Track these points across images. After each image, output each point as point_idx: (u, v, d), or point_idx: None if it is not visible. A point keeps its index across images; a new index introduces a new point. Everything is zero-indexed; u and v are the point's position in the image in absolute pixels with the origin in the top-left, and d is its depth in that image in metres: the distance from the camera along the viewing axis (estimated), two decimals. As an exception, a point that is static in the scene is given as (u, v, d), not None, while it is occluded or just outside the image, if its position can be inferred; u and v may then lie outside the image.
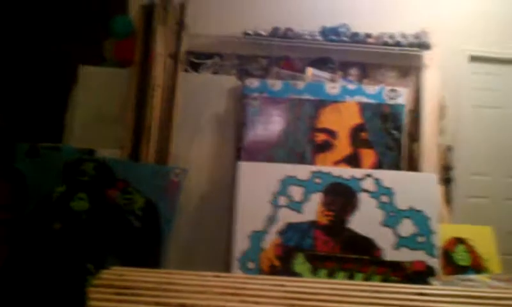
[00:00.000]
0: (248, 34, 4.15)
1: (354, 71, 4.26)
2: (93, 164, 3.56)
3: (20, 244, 3.46)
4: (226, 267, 3.43)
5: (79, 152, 3.67)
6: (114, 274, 2.52)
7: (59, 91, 4.13)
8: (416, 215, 3.45)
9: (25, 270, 3.41)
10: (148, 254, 3.38)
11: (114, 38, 4.17)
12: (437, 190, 3.64)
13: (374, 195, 3.49)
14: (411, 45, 4.14)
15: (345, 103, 3.85)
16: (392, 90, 3.89)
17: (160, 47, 3.86)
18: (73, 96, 3.92)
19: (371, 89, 3.91)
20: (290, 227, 3.44)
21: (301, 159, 3.73)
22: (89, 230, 3.45)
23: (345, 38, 4.16)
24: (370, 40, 4.16)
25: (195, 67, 4.17)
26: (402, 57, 4.20)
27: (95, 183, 3.52)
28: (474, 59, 4.43)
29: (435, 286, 2.98)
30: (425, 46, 4.13)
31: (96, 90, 3.92)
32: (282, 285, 2.54)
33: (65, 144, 3.80)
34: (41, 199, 3.50)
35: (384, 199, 3.48)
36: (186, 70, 4.06)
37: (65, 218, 3.46)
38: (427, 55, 4.16)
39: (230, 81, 3.99)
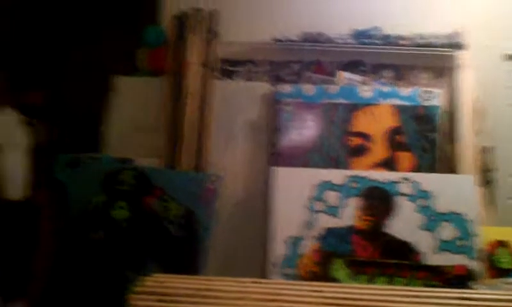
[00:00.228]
0: (279, 40, 4.16)
1: (387, 74, 4.22)
2: (132, 173, 3.62)
3: (64, 253, 3.54)
4: (264, 273, 3.44)
5: (118, 162, 3.75)
6: (155, 281, 2.56)
7: (95, 102, 4.22)
8: (456, 218, 3.39)
9: (69, 279, 3.48)
10: (187, 261, 3.41)
11: (147, 48, 4.23)
12: (475, 192, 3.58)
13: (412, 198, 3.45)
14: (444, 45, 4.08)
15: (379, 106, 3.82)
16: (426, 91, 3.85)
17: (193, 56, 3.91)
18: (109, 107, 3.99)
19: (405, 91, 3.87)
20: (329, 232, 3.42)
21: (336, 164, 3.71)
22: (129, 238, 3.50)
23: (377, 41, 4.11)
24: (402, 42, 4.11)
25: (228, 74, 4.20)
26: (436, 58, 4.13)
27: (134, 192, 3.58)
28: (510, 57, 4.34)
29: (477, 290, 2.93)
30: (458, 46, 4.06)
31: (131, 100, 3.99)
32: (320, 291, 2.54)
33: (103, 154, 3.88)
34: (83, 209, 3.57)
35: (423, 202, 3.44)
36: (219, 78, 4.09)
37: (107, 227, 3.53)
38: (460, 55, 4.09)
39: (262, 87, 4.00)
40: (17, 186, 3.91)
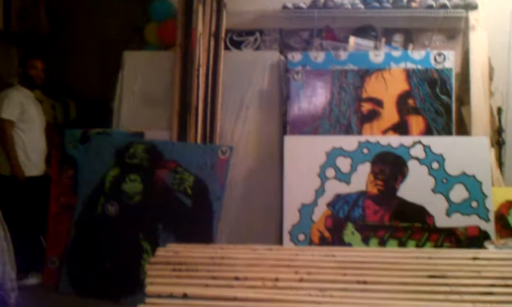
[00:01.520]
0: (287, 8, 4.12)
1: (398, 38, 4.17)
2: (143, 146, 3.66)
3: (82, 226, 3.62)
4: (278, 240, 3.48)
5: (129, 136, 3.79)
6: (170, 251, 2.59)
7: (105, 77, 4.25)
8: (468, 180, 3.39)
9: (88, 250, 3.58)
10: (201, 230, 3.45)
11: (156, 21, 4.23)
12: (489, 153, 3.55)
13: (424, 162, 3.44)
14: (456, 6, 4.01)
15: (391, 70, 3.78)
16: (439, 54, 3.79)
17: (201, 27, 3.89)
18: (118, 82, 4.01)
19: (417, 54, 3.82)
20: (340, 198, 3.45)
21: (347, 130, 3.71)
22: (143, 210, 3.57)
23: (387, 4, 4.06)
24: (413, 4, 4.05)
25: (237, 45, 4.19)
26: (448, 20, 4.07)
27: (146, 165, 3.62)
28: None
29: (489, 250, 2.93)
30: (471, 6, 3.99)
31: (141, 73, 4.01)
32: (333, 255, 2.56)
33: (114, 128, 3.92)
34: (96, 183, 3.63)
35: (435, 165, 3.43)
36: (228, 48, 4.08)
37: (121, 200, 3.60)
38: (473, 16, 4.02)
39: (272, 56, 3.98)
40: (35, 162, 3.97)
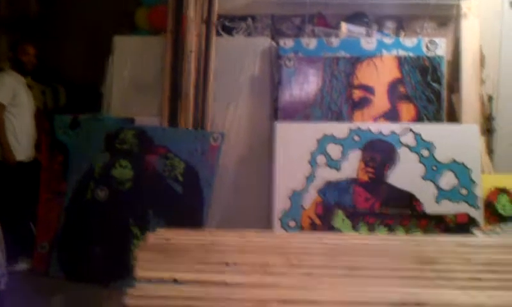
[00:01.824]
0: (280, -7, 4.10)
1: (390, 25, 4.16)
2: (133, 132, 3.64)
3: (72, 211, 3.62)
4: (268, 227, 3.48)
5: (119, 121, 3.77)
6: (160, 236, 2.59)
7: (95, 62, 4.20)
8: (457, 167, 3.41)
9: (79, 235, 3.57)
10: (191, 216, 3.46)
11: (146, 6, 4.19)
12: (479, 141, 3.57)
13: (414, 149, 3.46)
14: (448, -7, 4.01)
15: (382, 57, 3.78)
16: (431, 41, 3.79)
17: (193, 12, 3.87)
18: (108, 67, 3.98)
19: (409, 41, 3.82)
20: (330, 185, 3.45)
21: (339, 117, 3.71)
22: (134, 195, 3.56)
23: (379, -9, 4.05)
24: (406, -9, 4.04)
25: (228, 30, 4.16)
26: (440, 7, 4.06)
27: (136, 151, 3.61)
28: (515, 4, 4.25)
29: (477, 237, 2.96)
30: (463, -6, 3.99)
31: (131, 59, 3.98)
32: (323, 241, 2.57)
33: (104, 114, 3.90)
34: (87, 168, 3.62)
35: (425, 153, 3.45)
36: (219, 34, 4.05)
37: (110, 185, 3.59)
38: (465, 4, 4.02)
39: (264, 42, 3.97)
40: (25, 147, 3.95)
